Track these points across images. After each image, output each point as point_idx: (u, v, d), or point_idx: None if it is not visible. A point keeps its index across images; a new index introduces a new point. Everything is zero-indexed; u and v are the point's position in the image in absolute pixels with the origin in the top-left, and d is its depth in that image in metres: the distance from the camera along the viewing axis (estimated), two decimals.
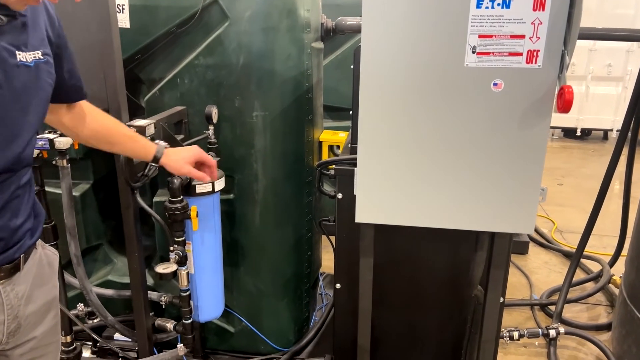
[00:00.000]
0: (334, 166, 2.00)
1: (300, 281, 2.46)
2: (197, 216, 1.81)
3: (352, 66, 1.85)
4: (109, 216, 2.41)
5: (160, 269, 1.70)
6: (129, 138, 1.46)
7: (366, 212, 1.40)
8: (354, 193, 1.42)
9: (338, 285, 2.12)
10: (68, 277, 1.96)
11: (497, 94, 1.26)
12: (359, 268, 1.65)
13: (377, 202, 1.39)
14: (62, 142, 1.58)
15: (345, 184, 1.97)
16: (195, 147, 1.64)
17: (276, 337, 2.46)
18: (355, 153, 1.95)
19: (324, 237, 2.82)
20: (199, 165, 1.63)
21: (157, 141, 1.63)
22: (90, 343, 2.16)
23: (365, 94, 1.36)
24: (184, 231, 1.83)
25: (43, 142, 1.57)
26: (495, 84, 1.25)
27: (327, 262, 3.04)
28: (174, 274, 1.72)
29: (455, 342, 2.10)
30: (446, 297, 2.05)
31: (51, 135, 1.59)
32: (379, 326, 2.13)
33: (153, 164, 1.58)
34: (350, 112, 1.90)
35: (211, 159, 1.67)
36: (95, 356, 2.15)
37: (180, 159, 1.55)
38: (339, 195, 1.99)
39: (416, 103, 1.34)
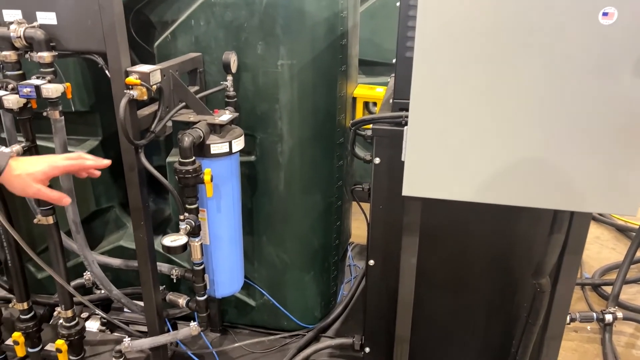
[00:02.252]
0: (371, 126, 1.70)
1: (327, 253, 2.22)
2: (211, 180, 1.56)
3: (397, 3, 1.52)
4: (121, 176, 2.19)
5: (168, 241, 1.47)
6: None
7: (416, 184, 1.11)
8: (402, 159, 1.13)
9: (371, 262, 1.87)
10: (70, 243, 1.76)
11: (606, 28, 0.93)
12: (401, 247, 1.38)
13: (431, 172, 1.10)
14: (51, 90, 1.33)
15: (384, 146, 1.67)
16: (51, 158, 1.23)
17: (301, 312, 2.24)
18: (398, 110, 1.65)
19: (354, 205, 2.56)
20: (75, 172, 1.28)
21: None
22: (100, 315, 1.98)
23: (424, 33, 1.05)
24: (196, 197, 1.58)
25: (29, 89, 1.32)
26: (604, 14, 0.92)
27: (356, 230, 2.79)
28: (185, 247, 1.49)
29: (503, 331, 1.84)
30: (496, 279, 1.77)
31: (37, 82, 1.34)
32: (415, 308, 1.88)
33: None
34: (394, 60, 1.58)
35: (82, 161, 1.27)
36: (104, 328, 1.98)
37: (26, 175, 1.14)
38: (376, 160, 1.70)
39: (490, 44, 1.02)
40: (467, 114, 1.06)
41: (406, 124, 1.61)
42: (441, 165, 1.09)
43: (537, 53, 1.00)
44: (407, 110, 1.64)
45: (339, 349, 2.17)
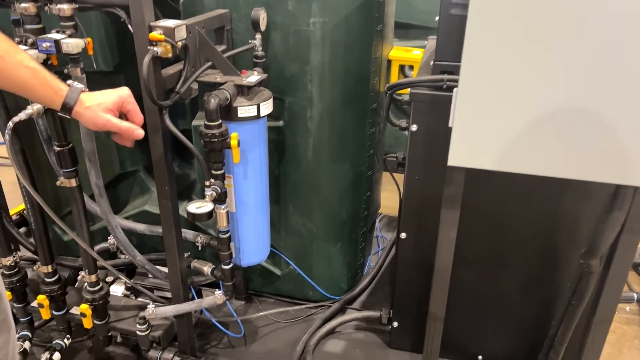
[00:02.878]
0: (408, 90, 1.58)
1: (356, 224, 2.14)
2: (238, 145, 1.48)
3: None
4: (146, 139, 2.14)
5: (193, 208, 1.40)
6: (27, 71, 1.02)
7: (464, 154, 1.01)
8: (449, 125, 1.02)
9: (403, 235, 1.78)
10: (94, 207, 1.71)
11: None
12: (438, 221, 1.29)
13: (481, 141, 0.99)
14: (71, 45, 1.25)
15: (422, 112, 1.56)
16: (121, 90, 1.21)
17: (327, 283, 2.19)
18: (439, 73, 1.53)
19: (384, 175, 2.46)
20: (123, 114, 1.22)
21: (70, 82, 1.18)
22: (124, 279, 1.95)
23: None
24: (223, 163, 1.51)
25: (48, 44, 1.24)
26: None
27: (385, 201, 2.70)
28: (210, 214, 1.42)
29: (539, 311, 1.75)
30: (535, 256, 1.67)
31: (57, 36, 1.26)
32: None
33: (61, 113, 1.13)
34: (437, 18, 1.45)
35: (138, 111, 1.23)
36: (128, 293, 1.95)
37: (96, 105, 1.14)
38: (413, 127, 1.59)
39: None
40: (525, 77, 0.93)
41: (448, 88, 1.50)
42: (493, 133, 0.98)
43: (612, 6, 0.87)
44: (449, 73, 1.53)
45: (365, 321, 2.12)
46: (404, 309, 1.93)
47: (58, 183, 1.54)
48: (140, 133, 1.22)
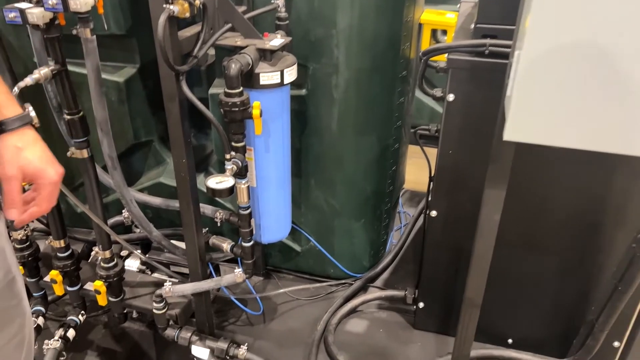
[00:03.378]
0: (445, 56, 1.45)
1: (380, 200, 2.04)
2: (260, 115, 1.37)
3: None
4: (160, 108, 2.03)
5: (213, 183, 1.30)
6: None
7: (524, 127, 0.88)
8: (507, 95, 0.90)
9: (434, 213, 1.68)
10: (107, 179, 1.62)
11: None
12: (482, 201, 1.17)
13: (544, 114, 0.86)
14: (79, 3, 1.14)
15: (461, 81, 1.43)
16: (57, 168, 0.94)
17: (348, 260, 2.10)
18: (481, 37, 1.39)
19: (410, 149, 2.34)
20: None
21: (29, 108, 0.96)
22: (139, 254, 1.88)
23: None
24: (244, 135, 1.40)
25: (54, 1, 1.13)
26: None
27: (407, 175, 2.58)
28: (232, 190, 1.32)
29: (579, 295, 1.65)
30: (577, 237, 1.56)
31: None
32: None
33: None
34: None
35: (49, 202, 0.95)
36: (144, 268, 1.88)
37: (26, 152, 0.90)
38: (450, 97, 1.47)
39: None
40: (598, 43, 0.80)
41: (491, 54, 1.36)
42: (559, 105, 0.85)
43: None
44: (491, 37, 1.38)
45: (388, 301, 2.04)
46: (431, 290, 1.84)
47: (69, 154, 1.44)
48: (9, 214, 0.92)
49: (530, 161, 1.45)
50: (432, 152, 1.72)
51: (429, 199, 1.79)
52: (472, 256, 1.25)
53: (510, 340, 1.80)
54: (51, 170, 0.93)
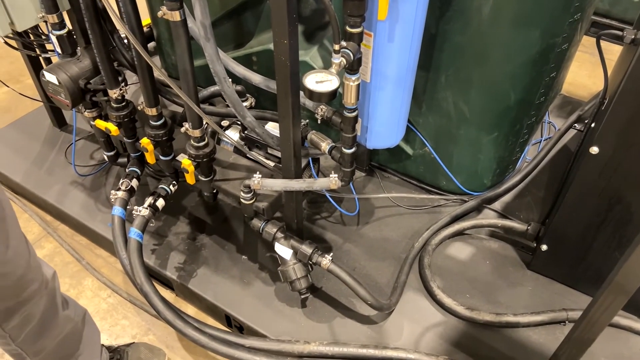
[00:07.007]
0: None
1: (524, 112, 1.62)
2: None
3: None
4: None
5: (312, 81, 1.02)
6: None
7: None
8: None
9: (595, 150, 1.27)
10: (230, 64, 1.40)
11: None
12: None
13: None
14: None
15: None
16: None
17: (466, 176, 1.79)
18: None
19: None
20: None
21: None
22: (240, 126, 1.72)
23: None
24: (363, 17, 1.06)
25: None
26: None
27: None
28: (334, 94, 1.04)
29: None
30: None
31: None
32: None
33: None
34: None
35: None
36: (243, 143, 1.74)
37: None
38: None
39: None
40: None
41: None
42: None
43: None
44: None
45: (504, 230, 1.74)
46: (562, 235, 1.50)
47: (159, 14, 1.22)
48: None
49: None
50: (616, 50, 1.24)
51: (592, 125, 1.36)
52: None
53: None
54: None
